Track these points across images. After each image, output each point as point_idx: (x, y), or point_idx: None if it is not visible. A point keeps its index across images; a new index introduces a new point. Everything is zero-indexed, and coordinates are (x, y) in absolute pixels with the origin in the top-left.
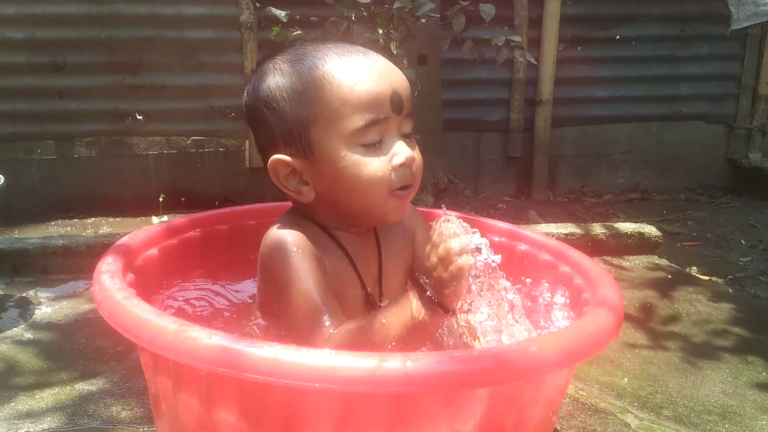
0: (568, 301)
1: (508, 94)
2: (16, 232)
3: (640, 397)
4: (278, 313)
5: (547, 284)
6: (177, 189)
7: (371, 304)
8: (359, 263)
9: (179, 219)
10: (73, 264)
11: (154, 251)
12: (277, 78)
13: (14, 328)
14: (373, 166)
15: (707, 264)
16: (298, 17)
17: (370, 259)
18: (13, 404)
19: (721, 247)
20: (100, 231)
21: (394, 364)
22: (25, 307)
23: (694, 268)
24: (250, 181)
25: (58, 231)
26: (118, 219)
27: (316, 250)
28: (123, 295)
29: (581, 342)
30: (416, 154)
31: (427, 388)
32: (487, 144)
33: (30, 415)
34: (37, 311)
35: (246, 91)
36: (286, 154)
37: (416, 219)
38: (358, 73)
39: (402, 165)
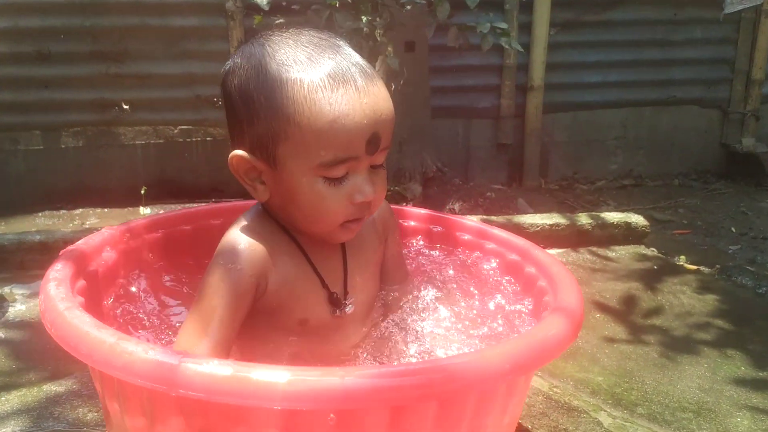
0: (530, 305)
1: (498, 80)
2: (2, 224)
3: (615, 395)
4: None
5: (510, 288)
6: (165, 179)
7: (335, 303)
8: (320, 263)
9: (141, 221)
10: (50, 259)
11: (111, 254)
12: (260, 77)
13: None
14: (330, 201)
15: (696, 252)
16: (284, 3)
17: (334, 258)
18: None
19: (712, 235)
20: (87, 222)
21: (330, 379)
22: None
23: (682, 257)
24: None
25: (44, 222)
26: (105, 210)
27: (263, 259)
28: (65, 305)
29: (533, 350)
30: (380, 186)
31: (367, 404)
32: (477, 131)
33: None
34: (11, 309)
35: (227, 69)
36: (249, 152)
37: (390, 220)
38: (342, 107)
39: (360, 204)
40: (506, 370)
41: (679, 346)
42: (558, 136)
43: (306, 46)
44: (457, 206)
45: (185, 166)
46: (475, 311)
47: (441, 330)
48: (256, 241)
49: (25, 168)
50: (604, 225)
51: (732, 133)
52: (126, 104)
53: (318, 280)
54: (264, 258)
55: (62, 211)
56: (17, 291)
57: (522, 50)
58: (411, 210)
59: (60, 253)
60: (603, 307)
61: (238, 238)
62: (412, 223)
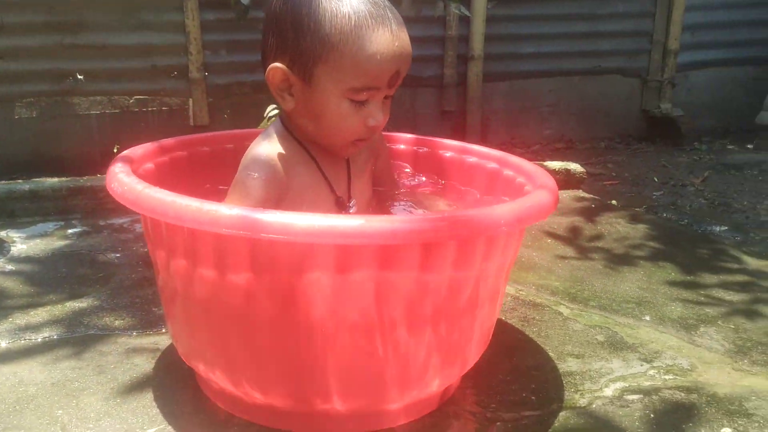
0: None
1: (441, 50)
2: None
3: (570, 294)
4: None
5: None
6: (120, 147)
7: (341, 205)
8: (329, 172)
9: (169, 140)
10: (39, 207)
11: (150, 165)
12: (312, 4)
13: None
14: (350, 120)
15: (625, 198)
16: None
17: (340, 168)
18: (10, 320)
19: (637, 185)
20: None
21: (382, 222)
22: (0, 245)
23: (613, 201)
24: None
25: None
26: (63, 179)
27: (284, 164)
28: (144, 185)
29: (528, 209)
30: (387, 113)
31: (407, 241)
32: (422, 99)
33: (29, 328)
34: (13, 248)
35: None
36: (287, 66)
37: (381, 142)
38: (379, 46)
39: (370, 126)
40: (511, 221)
41: (619, 260)
42: (497, 103)
43: None
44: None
45: (141, 136)
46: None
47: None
48: (276, 154)
49: None
50: (547, 171)
51: (651, 100)
52: (81, 75)
53: (327, 186)
54: (282, 168)
55: (19, 181)
56: (13, 234)
57: (468, 14)
58: (399, 135)
59: (115, 158)
60: (553, 235)
61: (261, 151)
62: (402, 147)
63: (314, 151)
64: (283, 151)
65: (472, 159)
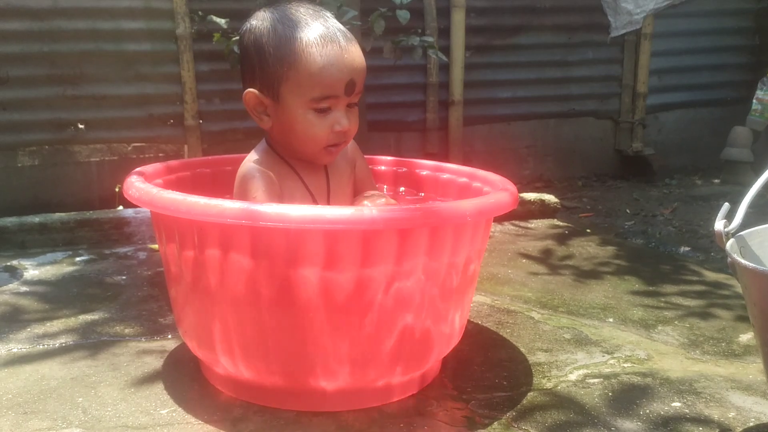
0: None
1: (423, 96)
2: None
3: (542, 302)
4: None
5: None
6: (119, 193)
7: None
8: (311, 184)
9: (175, 161)
10: (48, 239)
11: (159, 181)
12: (270, 34)
13: (9, 285)
14: (317, 128)
15: (598, 228)
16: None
17: (320, 181)
18: (29, 329)
19: (610, 216)
20: None
21: (367, 211)
22: (13, 271)
23: (587, 230)
24: None
25: None
26: (71, 213)
27: (274, 177)
28: (157, 189)
29: (490, 203)
30: (353, 120)
31: (389, 227)
32: (407, 142)
33: (46, 336)
34: (26, 273)
35: (244, 29)
36: (259, 90)
37: (356, 151)
38: (328, 59)
39: (338, 132)
40: (474, 213)
41: (587, 275)
42: (477, 145)
43: (304, 15)
44: None
45: None
46: None
47: None
48: (267, 168)
49: None
50: (523, 202)
51: (623, 140)
52: (82, 124)
53: (311, 197)
54: (273, 175)
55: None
56: (25, 263)
57: (446, 60)
58: (379, 157)
59: (130, 174)
60: (527, 256)
61: (254, 164)
62: (383, 168)
63: (296, 166)
64: (270, 167)
65: (446, 175)
